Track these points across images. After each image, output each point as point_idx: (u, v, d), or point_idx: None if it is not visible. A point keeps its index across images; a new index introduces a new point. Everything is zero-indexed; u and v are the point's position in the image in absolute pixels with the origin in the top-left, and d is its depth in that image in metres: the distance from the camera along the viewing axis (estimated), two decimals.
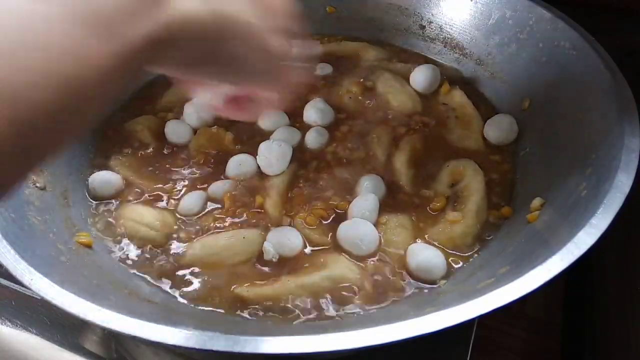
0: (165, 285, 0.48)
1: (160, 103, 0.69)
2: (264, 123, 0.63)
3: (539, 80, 0.60)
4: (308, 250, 0.51)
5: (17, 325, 0.51)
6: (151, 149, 0.62)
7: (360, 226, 0.50)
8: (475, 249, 0.50)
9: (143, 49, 0.26)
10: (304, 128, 0.63)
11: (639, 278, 0.53)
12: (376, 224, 0.52)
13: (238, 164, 0.58)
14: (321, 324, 0.45)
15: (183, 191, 0.57)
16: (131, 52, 0.25)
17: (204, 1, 0.28)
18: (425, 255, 0.48)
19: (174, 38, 0.27)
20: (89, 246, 0.50)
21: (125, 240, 0.52)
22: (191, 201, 0.55)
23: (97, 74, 0.24)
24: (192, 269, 0.49)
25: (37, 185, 0.51)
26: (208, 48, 0.30)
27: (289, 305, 0.46)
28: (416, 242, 0.51)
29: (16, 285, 0.52)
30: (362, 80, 0.70)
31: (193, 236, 0.52)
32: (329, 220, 0.53)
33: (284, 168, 0.57)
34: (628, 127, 0.44)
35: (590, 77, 0.52)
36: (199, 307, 0.47)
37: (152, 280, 0.49)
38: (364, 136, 0.61)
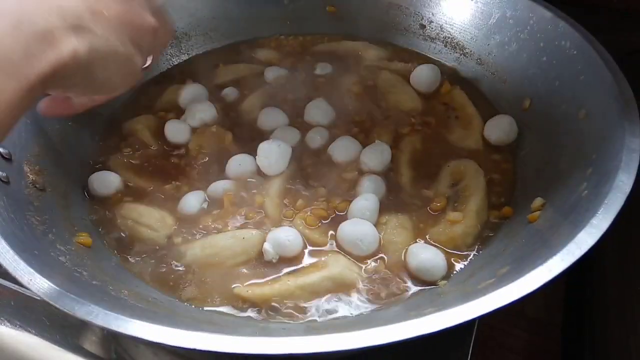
0: (165, 285, 0.48)
1: (159, 103, 0.69)
2: (264, 123, 0.63)
3: (539, 80, 0.60)
4: (308, 250, 0.51)
5: (16, 326, 0.51)
6: (151, 149, 0.62)
7: (360, 226, 0.50)
8: (476, 249, 0.50)
9: (40, 83, 0.33)
10: (304, 128, 0.63)
11: (639, 279, 0.53)
12: (376, 224, 0.52)
13: (238, 164, 0.58)
14: (321, 324, 0.45)
15: (183, 191, 0.57)
16: (30, 87, 0.32)
17: (84, 38, 0.36)
18: (425, 255, 0.48)
19: (66, 73, 0.35)
20: (88, 246, 0.50)
21: (125, 241, 0.52)
22: (191, 201, 0.55)
23: (6, 107, 0.31)
24: (191, 269, 0.49)
25: (37, 185, 0.51)
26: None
27: (289, 306, 0.46)
28: (416, 242, 0.51)
29: (15, 286, 0.52)
30: (362, 79, 0.70)
31: (193, 237, 0.52)
32: (328, 221, 0.53)
33: (284, 168, 0.57)
34: (628, 127, 0.44)
35: (590, 77, 0.52)
36: (199, 308, 0.47)
37: (151, 281, 0.49)
38: (364, 136, 0.61)
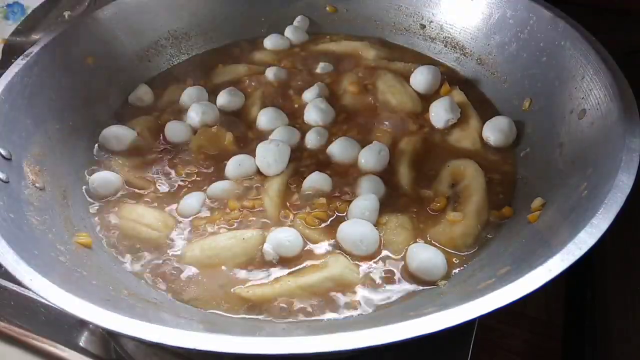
0: (165, 285, 0.48)
1: (159, 103, 0.69)
2: (264, 123, 0.63)
3: (539, 80, 0.60)
4: (308, 250, 0.50)
5: (16, 326, 0.51)
6: (151, 149, 0.62)
7: (360, 226, 0.50)
8: (476, 249, 0.50)
9: None
10: (303, 128, 0.63)
11: (639, 279, 0.53)
12: (376, 224, 0.51)
13: (237, 164, 0.58)
14: (321, 324, 0.45)
15: (183, 192, 0.57)
16: None
17: None
18: (425, 255, 0.48)
19: None
20: (88, 246, 0.50)
21: (125, 241, 0.52)
22: (191, 202, 0.55)
23: None
24: (191, 269, 0.49)
25: (37, 185, 0.51)
26: None
27: (289, 306, 0.46)
28: (416, 242, 0.51)
29: (16, 286, 0.52)
30: (362, 79, 0.70)
31: (192, 237, 0.52)
32: (328, 221, 0.53)
33: (283, 168, 0.57)
34: (629, 127, 0.44)
35: (590, 77, 0.52)
36: (199, 308, 0.47)
37: (151, 281, 0.49)
38: (364, 136, 0.61)
